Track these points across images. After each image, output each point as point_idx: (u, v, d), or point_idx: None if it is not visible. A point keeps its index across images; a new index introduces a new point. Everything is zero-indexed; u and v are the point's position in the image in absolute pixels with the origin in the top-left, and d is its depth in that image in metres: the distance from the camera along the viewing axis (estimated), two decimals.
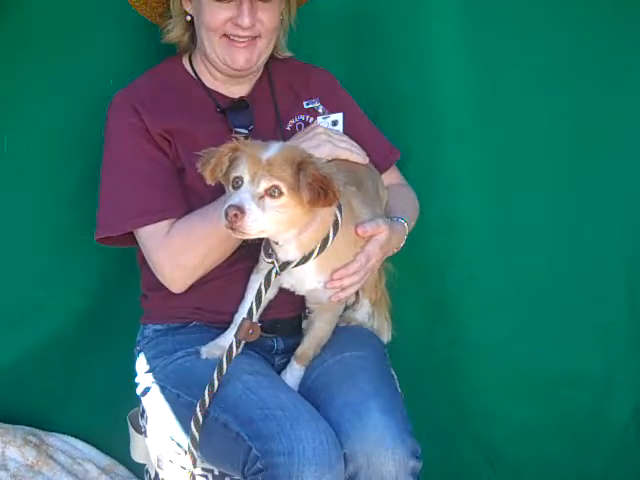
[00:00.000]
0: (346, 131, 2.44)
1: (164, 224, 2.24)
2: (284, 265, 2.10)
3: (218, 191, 2.13)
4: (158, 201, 2.25)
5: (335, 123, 2.44)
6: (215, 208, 2.17)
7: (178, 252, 2.24)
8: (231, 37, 2.29)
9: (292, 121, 2.43)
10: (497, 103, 2.68)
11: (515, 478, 2.89)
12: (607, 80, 2.68)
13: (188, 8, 2.36)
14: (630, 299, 2.79)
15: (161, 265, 2.26)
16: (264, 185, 1.96)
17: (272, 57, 2.46)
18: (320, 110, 2.45)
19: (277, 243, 2.09)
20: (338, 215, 2.09)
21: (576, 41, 2.66)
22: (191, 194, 2.27)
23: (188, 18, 2.38)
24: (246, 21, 2.25)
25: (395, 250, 2.33)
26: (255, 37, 2.30)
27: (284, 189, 1.96)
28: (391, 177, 2.55)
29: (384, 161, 2.50)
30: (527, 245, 2.76)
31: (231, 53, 2.29)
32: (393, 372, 2.37)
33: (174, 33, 2.42)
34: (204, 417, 2.05)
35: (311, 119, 2.44)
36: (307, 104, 2.46)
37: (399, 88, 2.72)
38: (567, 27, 2.65)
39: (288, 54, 2.49)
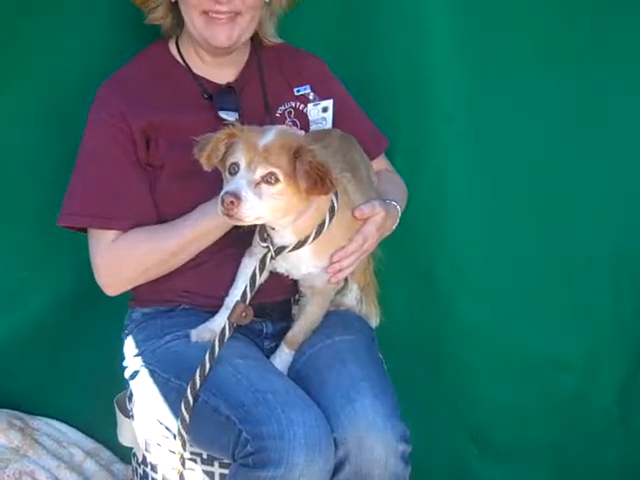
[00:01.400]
0: (336, 118, 2.44)
1: (110, 233, 2.26)
2: (279, 249, 2.10)
3: (191, 193, 2.17)
4: (110, 209, 2.25)
5: (325, 110, 2.44)
6: (165, 229, 2.23)
7: (117, 264, 2.27)
8: (210, 14, 2.25)
9: (282, 107, 2.41)
10: (487, 88, 2.68)
11: (499, 458, 2.92)
12: (596, 70, 2.69)
13: None
14: (615, 284, 2.82)
15: (98, 269, 2.29)
16: (260, 172, 1.96)
17: (261, 44, 2.45)
18: (311, 97, 2.44)
19: (273, 228, 2.09)
20: (334, 201, 2.09)
21: (568, 26, 2.66)
22: (163, 196, 2.27)
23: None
24: None
25: (388, 232, 2.34)
26: (236, 14, 2.26)
27: (280, 176, 1.96)
28: (380, 164, 2.55)
29: (373, 149, 2.50)
30: (515, 231, 2.77)
31: (211, 30, 2.26)
32: (381, 356, 2.37)
33: (157, 13, 2.39)
34: (194, 400, 2.05)
35: (301, 106, 2.43)
36: (298, 91, 2.44)
37: (388, 72, 2.70)
38: (559, 12, 2.65)
39: (278, 41, 2.47)
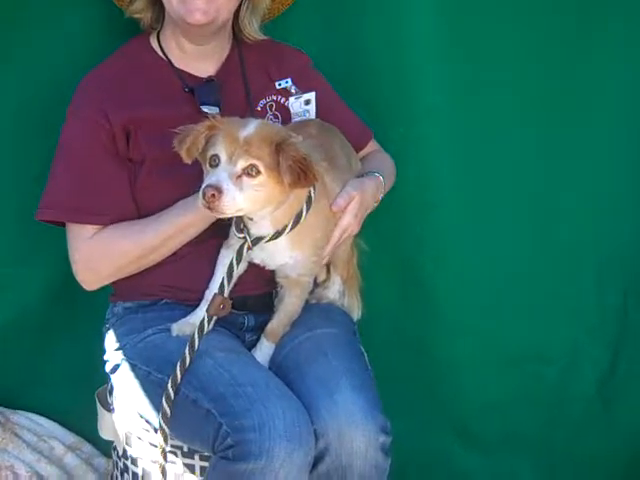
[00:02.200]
0: (319, 111, 2.43)
1: (89, 227, 2.25)
2: (256, 240, 2.10)
3: (172, 187, 2.17)
4: (88, 203, 2.24)
5: (308, 102, 2.43)
6: (144, 224, 2.23)
7: (94, 259, 2.27)
8: None
9: (263, 101, 2.40)
10: (470, 81, 2.68)
11: (483, 450, 2.93)
12: (581, 68, 2.70)
13: None
14: (597, 277, 2.84)
15: (75, 263, 2.29)
16: (242, 164, 1.96)
17: (243, 40, 2.44)
18: (293, 90, 2.43)
19: (251, 219, 2.08)
20: (312, 191, 2.09)
21: (552, 24, 2.66)
22: (144, 191, 2.26)
23: None
24: None
25: (375, 204, 2.35)
26: None
27: (262, 168, 1.96)
28: (370, 148, 2.57)
29: (357, 141, 2.50)
30: (499, 225, 2.78)
31: (187, 5, 2.22)
32: (362, 349, 2.37)
33: (137, 5, 2.37)
34: (175, 393, 2.04)
35: (283, 99, 2.42)
36: (279, 84, 2.44)
37: (371, 66, 2.69)
38: (544, 9, 2.65)
39: (261, 37, 2.46)
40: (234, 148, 1.96)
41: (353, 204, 2.21)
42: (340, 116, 2.47)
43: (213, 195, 1.91)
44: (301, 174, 1.95)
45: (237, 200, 1.94)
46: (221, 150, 1.97)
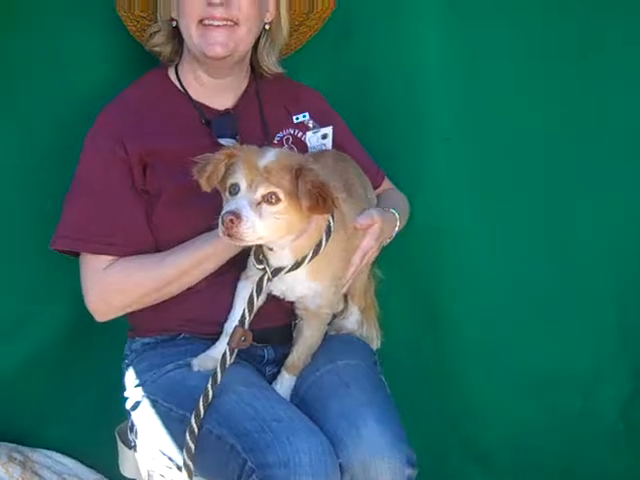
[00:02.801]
0: (334, 147, 2.44)
1: (103, 258, 2.24)
2: (276, 271, 2.09)
3: (188, 220, 2.17)
4: (104, 234, 2.24)
5: (325, 137, 2.44)
6: (159, 257, 2.23)
7: (108, 291, 2.26)
8: (206, 21, 2.24)
9: (280, 134, 2.41)
10: (483, 106, 2.69)
11: (504, 477, 2.90)
12: (596, 76, 2.70)
13: (174, 14, 2.33)
14: (618, 300, 2.82)
15: (88, 294, 2.28)
16: (261, 191, 1.95)
17: (261, 74, 2.46)
18: (310, 124, 2.45)
19: (271, 249, 2.08)
20: (331, 220, 2.09)
21: (562, 44, 2.67)
22: (160, 223, 2.26)
23: (174, 24, 2.34)
24: None
25: (388, 240, 2.36)
26: (233, 24, 2.25)
27: (282, 195, 1.95)
28: (383, 187, 2.58)
29: (373, 180, 2.50)
30: (516, 248, 2.77)
31: (207, 39, 2.25)
32: (384, 379, 2.35)
33: (157, 39, 2.39)
34: (199, 429, 2.02)
35: (300, 133, 2.43)
36: (297, 118, 2.45)
37: (383, 95, 2.71)
38: (551, 31, 2.66)
39: (279, 70, 2.47)
40: (254, 176, 1.96)
41: (375, 227, 2.22)
42: (355, 157, 2.45)
43: (232, 221, 1.91)
44: (320, 199, 1.94)
45: (257, 227, 1.94)
46: (241, 178, 1.97)
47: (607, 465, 2.86)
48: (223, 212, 1.93)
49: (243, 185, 1.96)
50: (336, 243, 2.13)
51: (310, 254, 2.08)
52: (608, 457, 2.87)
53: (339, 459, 1.99)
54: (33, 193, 2.62)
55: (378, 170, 2.58)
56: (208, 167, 2.01)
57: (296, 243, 2.06)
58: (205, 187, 2.03)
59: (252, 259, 2.14)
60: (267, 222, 1.95)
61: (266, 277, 2.10)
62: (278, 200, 1.96)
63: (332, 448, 1.99)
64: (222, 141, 2.30)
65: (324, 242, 2.08)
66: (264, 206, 1.95)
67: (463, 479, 2.92)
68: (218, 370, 2.06)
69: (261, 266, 2.11)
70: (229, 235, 1.93)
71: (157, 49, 2.41)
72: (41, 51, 2.56)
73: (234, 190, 1.98)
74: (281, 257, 2.09)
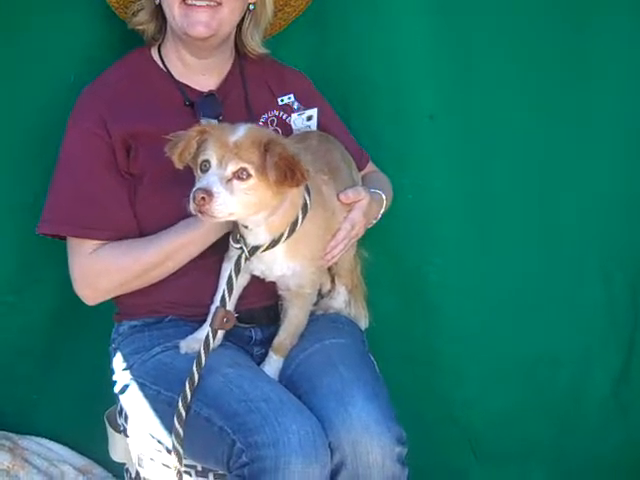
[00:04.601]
0: (319, 129, 2.43)
1: (89, 242, 2.23)
2: (253, 250, 2.09)
3: (172, 201, 2.10)
4: (89, 218, 2.23)
5: (310, 118, 2.43)
6: (144, 241, 2.22)
7: (94, 275, 2.25)
8: (189, 1, 2.22)
9: (265, 116, 2.40)
10: (468, 87, 2.68)
11: (497, 461, 2.90)
12: (578, 68, 2.68)
13: None
14: (606, 279, 2.82)
15: (74, 279, 2.28)
16: (232, 168, 1.95)
17: (245, 55, 2.44)
18: (295, 106, 2.43)
19: (247, 227, 2.07)
20: (307, 198, 2.09)
21: (547, 24, 2.66)
22: (144, 205, 2.25)
23: (157, 1, 2.31)
24: None
25: (374, 221, 2.35)
26: (216, 4, 2.23)
27: (252, 171, 1.95)
28: (366, 171, 2.57)
29: (359, 162, 2.50)
30: (503, 231, 2.76)
31: (189, 19, 2.23)
32: (372, 358, 2.35)
33: (140, 17, 2.37)
34: (187, 412, 2.01)
35: (285, 115, 2.42)
36: (281, 100, 2.44)
37: (368, 75, 2.68)
38: (538, 10, 2.64)
39: (263, 51, 2.45)
40: (224, 152, 1.96)
41: (363, 202, 2.22)
42: (340, 139, 2.44)
43: (203, 198, 1.91)
44: (288, 172, 1.93)
45: (228, 203, 1.94)
46: (211, 154, 1.97)
47: (598, 443, 2.86)
48: (194, 189, 1.93)
49: (214, 161, 1.96)
50: (315, 223, 2.12)
51: (287, 232, 2.07)
52: (599, 435, 2.87)
53: (328, 438, 1.99)
54: (16, 179, 2.59)
55: (362, 153, 2.57)
56: (180, 144, 2.01)
57: (271, 220, 2.05)
58: (177, 164, 2.03)
59: (230, 238, 2.14)
60: (238, 198, 1.95)
61: (244, 256, 2.10)
62: (249, 176, 1.95)
63: (321, 427, 1.98)
64: (205, 122, 2.28)
65: (300, 219, 2.08)
66: (235, 182, 1.95)
67: (456, 463, 2.92)
68: (202, 352, 2.05)
69: (238, 245, 2.11)
70: (200, 212, 1.92)
71: (140, 27, 2.39)
72: (22, 35, 2.53)
73: (205, 167, 1.98)
74: (257, 235, 2.08)
